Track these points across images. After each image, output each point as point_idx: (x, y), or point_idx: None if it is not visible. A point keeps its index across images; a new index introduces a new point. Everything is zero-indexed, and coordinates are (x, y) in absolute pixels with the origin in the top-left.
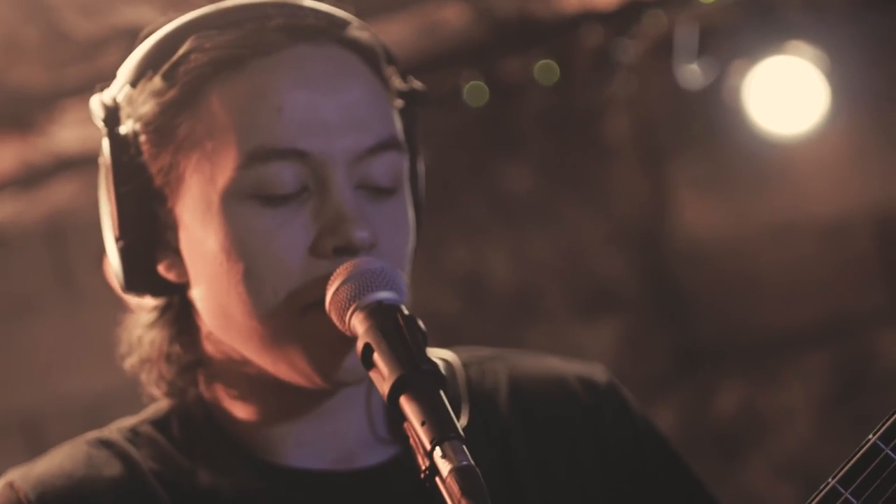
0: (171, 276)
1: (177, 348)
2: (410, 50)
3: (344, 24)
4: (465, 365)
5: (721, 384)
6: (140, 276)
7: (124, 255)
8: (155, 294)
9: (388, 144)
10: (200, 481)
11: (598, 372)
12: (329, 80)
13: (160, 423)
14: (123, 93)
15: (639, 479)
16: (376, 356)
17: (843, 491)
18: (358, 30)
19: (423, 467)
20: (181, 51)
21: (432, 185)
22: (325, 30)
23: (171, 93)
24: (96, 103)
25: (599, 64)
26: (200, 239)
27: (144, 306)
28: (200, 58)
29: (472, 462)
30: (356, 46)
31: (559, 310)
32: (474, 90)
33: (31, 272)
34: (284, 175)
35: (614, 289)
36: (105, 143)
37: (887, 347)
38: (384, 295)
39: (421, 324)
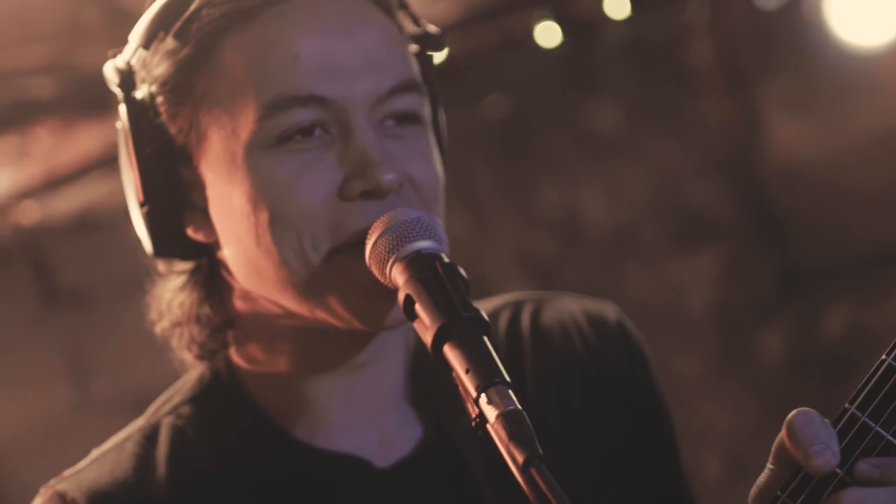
0: (199, 237)
1: (207, 309)
2: None
3: None
4: (491, 315)
5: (827, 305)
6: (168, 240)
7: (150, 219)
8: (184, 257)
9: (408, 86)
10: (244, 472)
11: (608, 310)
12: (344, 24)
13: (198, 401)
14: (137, 56)
15: (624, 423)
16: (418, 307)
17: (859, 415)
18: None
19: (473, 415)
20: (192, 7)
21: (518, 131)
22: None
23: (185, 51)
24: (110, 69)
25: None
26: (227, 195)
27: (174, 270)
28: (212, 12)
29: (518, 406)
30: None
31: (657, 244)
32: (546, 31)
33: (130, 253)
34: (306, 122)
35: (711, 218)
36: (122, 109)
37: None
38: (422, 244)
39: (461, 271)
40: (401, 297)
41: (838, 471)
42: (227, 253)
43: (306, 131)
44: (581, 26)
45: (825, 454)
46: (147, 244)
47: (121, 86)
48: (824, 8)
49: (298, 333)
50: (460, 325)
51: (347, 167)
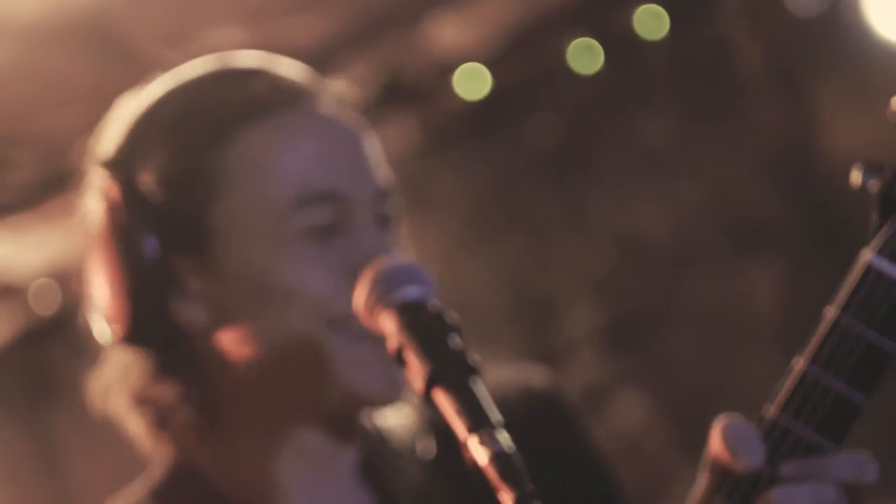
0: (192, 319)
1: (175, 392)
2: (516, 24)
3: (331, 83)
4: None
5: None
6: (148, 325)
7: (133, 304)
8: (158, 342)
9: (393, 190)
10: None
11: (536, 377)
12: (353, 126)
13: (160, 496)
14: (135, 139)
15: (564, 488)
16: (407, 354)
17: (781, 417)
18: (340, 86)
19: (466, 459)
20: (206, 95)
21: (575, 151)
22: (323, 87)
23: (196, 138)
24: (104, 150)
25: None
26: (244, 277)
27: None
28: (230, 101)
29: (510, 446)
30: (347, 100)
31: (719, 255)
32: (586, 53)
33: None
34: (328, 215)
35: (772, 225)
36: (110, 191)
37: None
38: (409, 291)
39: (451, 314)
40: (391, 346)
41: (765, 471)
42: (233, 336)
43: (325, 223)
44: (622, 45)
45: (751, 455)
46: (118, 329)
47: (115, 166)
48: (864, 10)
49: (284, 420)
50: (449, 370)
51: (352, 260)
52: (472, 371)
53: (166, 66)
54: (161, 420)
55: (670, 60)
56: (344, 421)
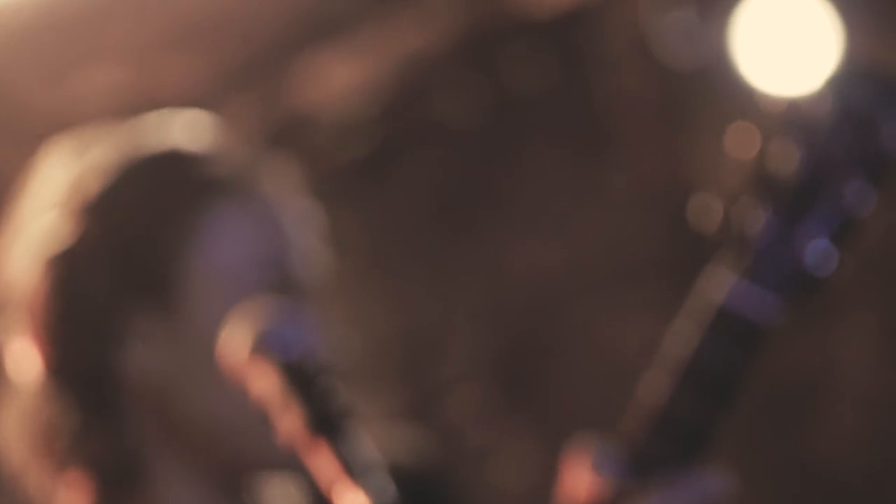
0: (137, 364)
1: (94, 442)
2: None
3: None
4: None
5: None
6: (80, 367)
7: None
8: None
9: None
10: None
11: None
12: (298, 215)
13: None
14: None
15: None
16: (284, 407)
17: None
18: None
19: None
20: (176, 164)
21: (467, 190)
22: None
23: (162, 205)
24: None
25: (578, 62)
26: (204, 337)
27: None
28: (202, 178)
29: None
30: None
31: (608, 292)
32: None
33: None
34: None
35: (651, 263)
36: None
37: None
38: (288, 344)
39: (332, 371)
40: (268, 400)
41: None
42: (178, 387)
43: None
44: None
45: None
46: (49, 365)
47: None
48: (739, 63)
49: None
50: (327, 421)
51: None
52: (351, 421)
53: (45, 105)
54: (71, 474)
55: (553, 106)
56: (231, 482)
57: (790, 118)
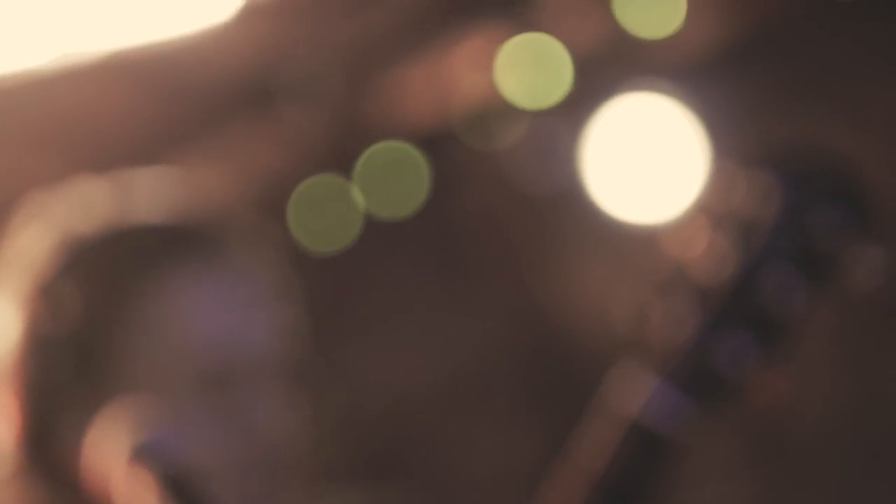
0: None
1: None
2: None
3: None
4: None
5: None
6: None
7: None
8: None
9: None
10: None
11: None
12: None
13: None
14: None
15: None
16: None
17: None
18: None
19: None
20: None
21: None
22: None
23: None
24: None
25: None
26: None
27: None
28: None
29: None
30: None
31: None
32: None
33: None
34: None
35: (509, 389)
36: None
37: None
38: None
39: (190, 481)
40: None
41: None
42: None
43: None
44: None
45: None
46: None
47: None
48: (595, 191)
49: None
50: None
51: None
52: None
53: None
54: None
55: (413, 224)
56: None
57: (716, 223)
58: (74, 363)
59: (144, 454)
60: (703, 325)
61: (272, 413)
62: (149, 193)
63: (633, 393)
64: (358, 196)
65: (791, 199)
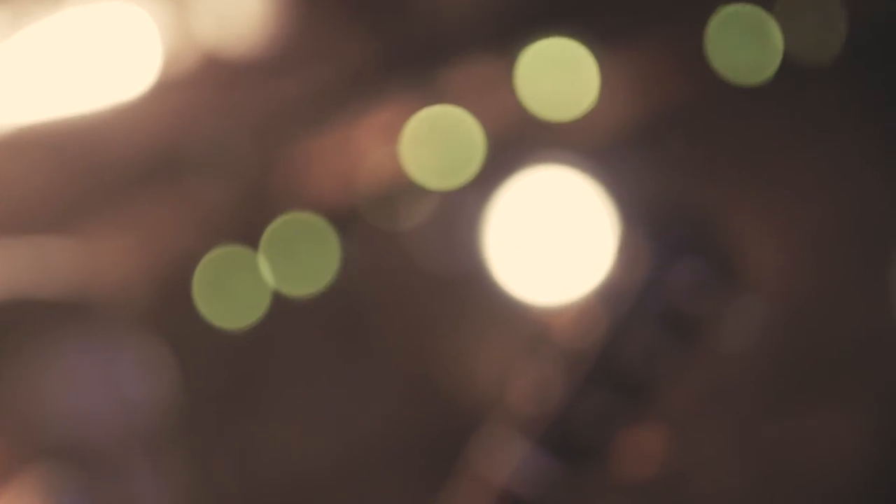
0: None
1: None
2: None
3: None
4: None
5: None
6: None
7: None
8: None
9: None
10: None
11: None
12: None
13: None
14: None
15: None
16: None
17: None
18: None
19: None
20: None
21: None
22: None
23: None
24: None
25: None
26: None
27: None
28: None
29: None
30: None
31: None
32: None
33: None
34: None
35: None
36: None
37: None
38: None
39: None
40: None
41: None
42: None
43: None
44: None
45: None
46: None
47: None
48: (496, 271)
49: None
50: None
51: None
52: None
53: None
54: None
55: (316, 303)
56: None
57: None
58: None
59: None
60: (569, 389)
61: (141, 485)
62: (35, 265)
63: (501, 457)
64: (266, 270)
65: (658, 260)
